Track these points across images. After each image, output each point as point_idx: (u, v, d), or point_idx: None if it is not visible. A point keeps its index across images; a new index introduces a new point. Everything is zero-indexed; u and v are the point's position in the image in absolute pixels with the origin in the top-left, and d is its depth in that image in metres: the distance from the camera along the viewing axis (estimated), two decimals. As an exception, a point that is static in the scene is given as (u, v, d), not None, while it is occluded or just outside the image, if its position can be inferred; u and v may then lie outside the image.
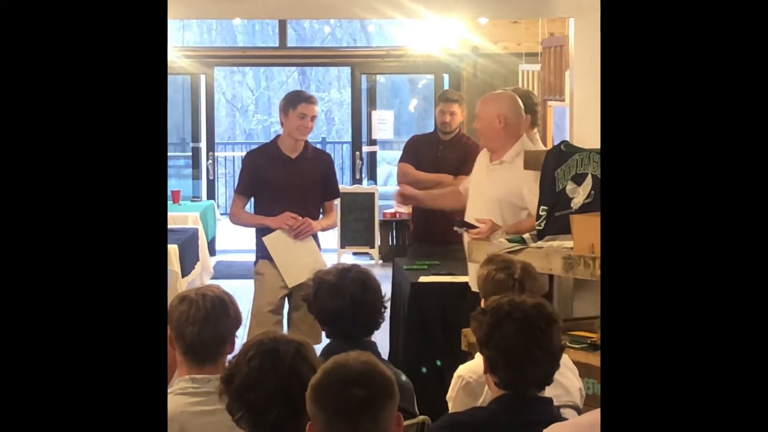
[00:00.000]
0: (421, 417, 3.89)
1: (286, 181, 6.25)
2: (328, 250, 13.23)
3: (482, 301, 4.21)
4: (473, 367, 3.98)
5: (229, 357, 3.42)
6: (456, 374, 4.01)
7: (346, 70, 18.80)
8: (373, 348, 3.93)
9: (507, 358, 3.24)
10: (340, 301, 3.87)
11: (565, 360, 4.00)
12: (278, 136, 6.48)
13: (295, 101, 6.29)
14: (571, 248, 5.22)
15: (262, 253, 6.32)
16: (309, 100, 6.33)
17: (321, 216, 6.47)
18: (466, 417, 3.37)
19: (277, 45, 12.99)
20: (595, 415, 2.92)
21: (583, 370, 4.14)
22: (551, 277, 5.50)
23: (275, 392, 2.82)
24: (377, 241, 12.41)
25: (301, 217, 6.18)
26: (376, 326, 4.00)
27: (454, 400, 3.93)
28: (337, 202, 7.06)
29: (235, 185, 6.52)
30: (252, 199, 6.51)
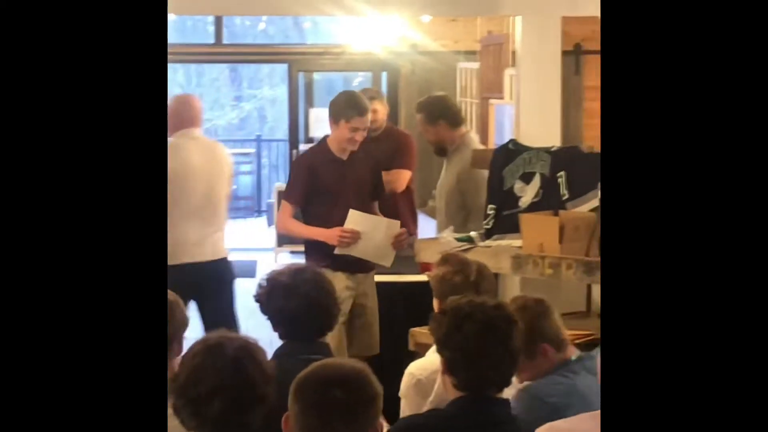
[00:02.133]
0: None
1: (340, 184, 5.87)
2: (266, 249, 13.21)
3: (435, 301, 4.18)
4: (424, 365, 3.97)
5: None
6: (407, 371, 4.00)
7: (278, 67, 18.69)
8: (326, 349, 3.89)
9: (468, 358, 3.21)
10: (294, 302, 3.81)
11: None
12: (327, 136, 6.02)
13: (349, 113, 5.80)
14: (520, 247, 5.23)
15: (325, 263, 5.68)
16: (362, 112, 5.82)
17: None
18: (423, 420, 3.33)
19: (212, 41, 12.85)
20: (592, 420, 2.86)
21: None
22: (496, 276, 5.49)
23: (217, 387, 2.80)
24: (314, 240, 12.31)
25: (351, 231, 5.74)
26: (330, 327, 3.95)
27: (406, 397, 3.91)
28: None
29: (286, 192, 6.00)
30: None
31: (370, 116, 5.91)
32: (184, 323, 3.51)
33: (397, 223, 5.91)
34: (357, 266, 5.84)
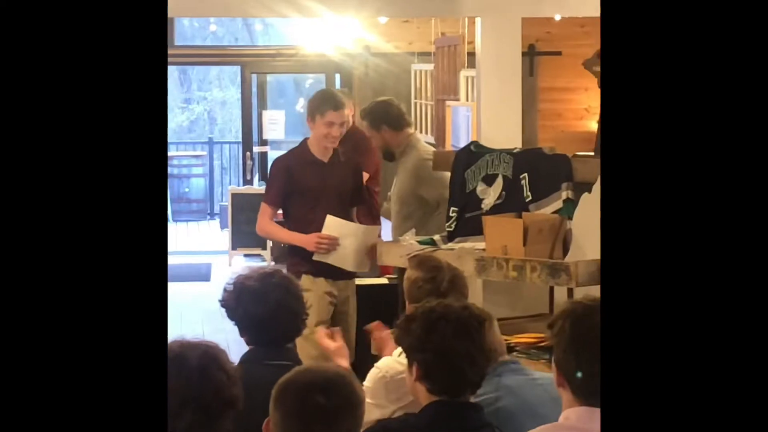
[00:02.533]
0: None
1: (321, 187, 5.78)
2: (219, 252, 13.13)
3: (406, 303, 4.15)
4: (392, 364, 3.95)
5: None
6: (376, 365, 3.99)
7: (228, 69, 18.63)
8: (293, 355, 3.84)
9: (446, 360, 3.18)
10: (263, 308, 3.75)
11: None
12: (307, 138, 5.95)
13: (323, 108, 5.75)
14: (483, 250, 5.20)
15: (306, 268, 5.74)
16: (337, 106, 5.76)
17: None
18: (398, 424, 3.29)
19: (164, 43, 12.76)
20: (581, 415, 2.85)
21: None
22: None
23: (186, 399, 2.74)
24: (269, 243, 12.27)
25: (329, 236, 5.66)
26: (298, 332, 3.90)
27: (372, 390, 3.88)
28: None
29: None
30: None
31: (346, 112, 5.84)
32: None
33: (376, 228, 5.90)
34: (339, 272, 5.77)
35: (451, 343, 3.18)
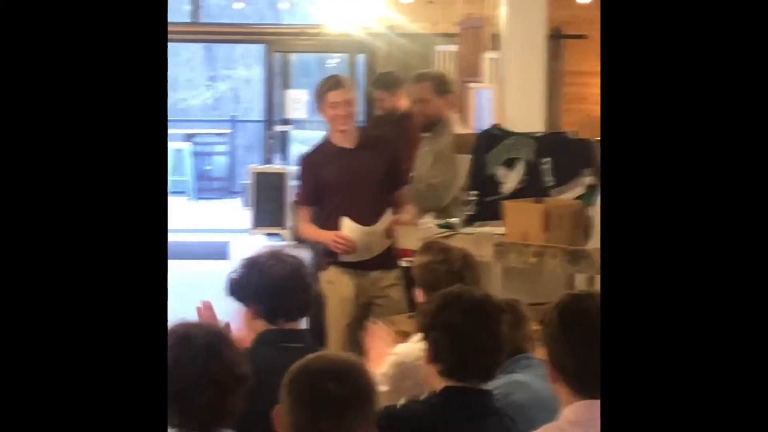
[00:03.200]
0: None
1: (348, 176, 5.60)
2: (240, 230, 13.09)
3: (418, 290, 4.10)
4: (410, 349, 3.91)
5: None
6: (393, 351, 3.96)
7: (253, 48, 18.55)
8: (305, 336, 3.81)
9: (454, 338, 3.14)
10: (278, 272, 3.72)
11: None
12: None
13: (322, 91, 5.61)
14: (503, 235, 5.14)
15: (333, 258, 5.65)
16: (337, 85, 5.60)
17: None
18: (405, 411, 3.24)
19: (188, 20, 12.71)
20: (579, 411, 2.80)
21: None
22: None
23: (197, 378, 2.74)
24: (289, 222, 12.24)
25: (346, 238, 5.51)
26: (311, 305, 3.85)
27: (386, 376, 3.85)
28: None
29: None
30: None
31: (348, 91, 5.63)
32: None
33: (390, 218, 5.65)
34: (370, 263, 5.61)
35: (460, 320, 3.15)
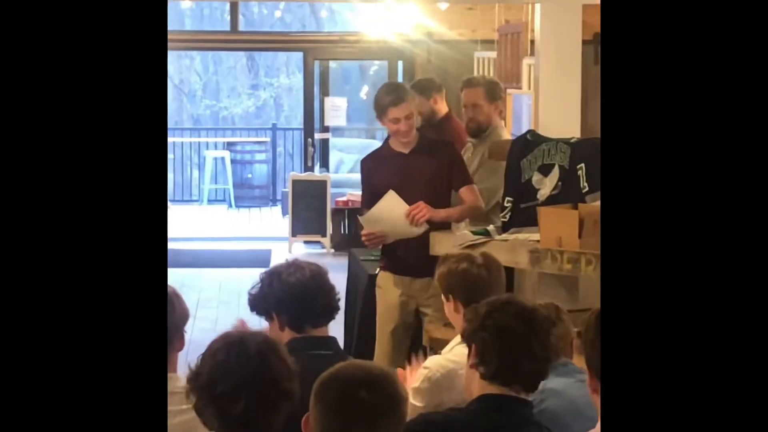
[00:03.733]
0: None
1: (399, 181, 5.60)
2: (280, 238, 13.13)
3: (444, 299, 4.06)
4: (442, 362, 3.87)
5: (181, 353, 3.39)
6: (424, 365, 3.90)
7: (295, 56, 18.61)
8: (334, 344, 3.78)
9: (504, 340, 3.11)
10: (300, 278, 3.71)
11: None
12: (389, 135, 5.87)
13: (383, 104, 5.60)
14: (538, 241, 5.09)
15: (384, 263, 5.75)
16: (396, 101, 5.57)
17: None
18: (442, 417, 3.21)
19: (228, 29, 12.76)
20: None
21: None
22: (511, 271, 5.34)
23: (242, 384, 2.72)
24: (329, 230, 12.24)
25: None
26: (336, 309, 3.82)
27: (420, 391, 3.80)
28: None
29: None
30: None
31: (409, 105, 5.60)
32: (184, 316, 3.43)
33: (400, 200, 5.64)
34: (415, 269, 5.64)
35: (512, 322, 3.12)
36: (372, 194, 5.70)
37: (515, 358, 3.11)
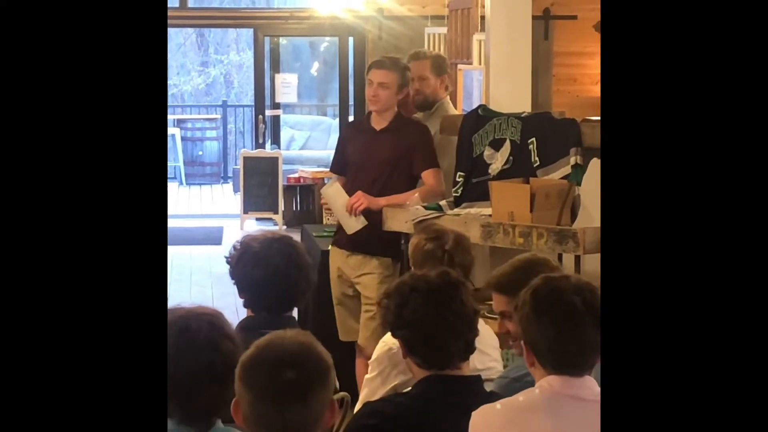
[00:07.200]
0: (341, 393, 3.75)
1: (365, 156, 5.70)
2: (231, 215, 13.10)
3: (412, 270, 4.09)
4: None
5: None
6: (382, 340, 3.92)
7: (245, 32, 18.50)
8: (292, 323, 3.78)
9: (423, 332, 3.12)
10: (261, 271, 3.69)
11: (488, 333, 3.90)
12: None
13: (368, 68, 5.74)
14: (490, 215, 5.12)
15: (334, 237, 5.93)
16: (378, 65, 5.68)
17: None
18: (390, 406, 3.17)
19: (177, 5, 12.65)
20: (530, 397, 2.80)
21: (501, 340, 4.02)
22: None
23: (199, 373, 2.68)
24: (281, 207, 12.22)
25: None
26: (294, 302, 3.83)
27: (378, 364, 3.84)
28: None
29: None
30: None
31: (387, 74, 5.62)
32: None
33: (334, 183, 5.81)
34: (352, 244, 5.70)
35: (423, 313, 3.12)
36: (340, 158, 5.86)
37: (438, 340, 3.12)
